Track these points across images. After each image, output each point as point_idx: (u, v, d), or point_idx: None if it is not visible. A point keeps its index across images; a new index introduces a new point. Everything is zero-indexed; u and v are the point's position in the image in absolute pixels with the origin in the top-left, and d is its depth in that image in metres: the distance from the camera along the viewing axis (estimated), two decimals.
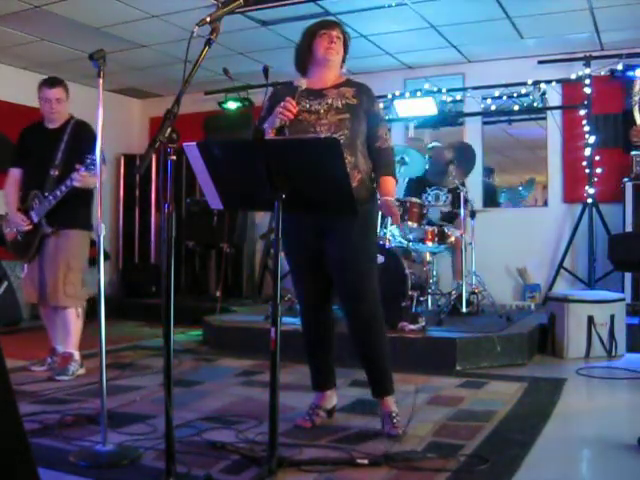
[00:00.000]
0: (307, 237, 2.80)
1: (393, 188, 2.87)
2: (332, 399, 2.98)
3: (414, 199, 5.00)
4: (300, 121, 2.75)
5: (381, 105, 3.00)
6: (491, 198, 6.89)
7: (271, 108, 2.80)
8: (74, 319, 3.95)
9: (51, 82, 4.00)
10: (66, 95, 4.02)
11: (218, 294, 6.29)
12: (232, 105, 7.51)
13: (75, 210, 3.93)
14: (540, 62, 6.33)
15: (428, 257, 5.24)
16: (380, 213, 3.61)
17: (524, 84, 6.48)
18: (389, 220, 4.60)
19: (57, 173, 3.89)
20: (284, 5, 5.23)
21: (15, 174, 4.09)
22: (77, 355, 3.93)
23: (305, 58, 2.88)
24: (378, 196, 2.88)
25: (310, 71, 2.88)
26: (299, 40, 2.91)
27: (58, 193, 3.80)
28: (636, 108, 3.60)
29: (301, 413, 2.88)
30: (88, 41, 5.74)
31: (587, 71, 6.18)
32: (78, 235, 4.00)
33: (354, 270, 2.74)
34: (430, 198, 5.59)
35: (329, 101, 2.78)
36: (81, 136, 3.95)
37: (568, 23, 5.56)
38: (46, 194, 3.87)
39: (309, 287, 2.89)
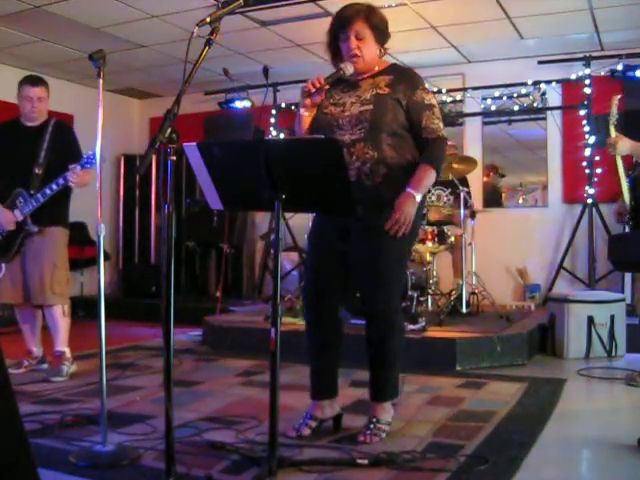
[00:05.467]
0: (332, 236, 2.72)
1: (424, 179, 2.59)
2: (329, 409, 2.78)
3: None
4: (325, 114, 2.69)
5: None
6: (493, 198, 6.89)
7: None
8: (62, 316, 3.94)
9: (33, 80, 3.95)
10: (47, 94, 3.99)
11: (218, 294, 6.28)
12: (232, 105, 7.50)
13: (57, 207, 3.93)
14: (540, 62, 6.33)
15: (428, 257, 5.24)
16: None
17: (524, 84, 6.49)
18: None
19: (41, 171, 3.87)
20: (284, 5, 5.23)
21: None
22: (68, 352, 3.93)
23: (336, 56, 2.75)
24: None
25: None
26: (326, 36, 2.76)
27: (48, 191, 3.77)
28: (612, 128, 3.68)
29: (301, 413, 2.87)
30: (88, 41, 5.74)
31: (587, 71, 6.19)
32: (61, 233, 4.01)
33: (370, 273, 2.63)
34: (433, 198, 5.57)
35: (360, 92, 2.66)
36: (63, 136, 3.96)
37: (568, 23, 5.56)
38: (32, 192, 3.83)
39: (319, 285, 2.75)
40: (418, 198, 2.58)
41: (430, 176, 2.62)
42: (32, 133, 3.97)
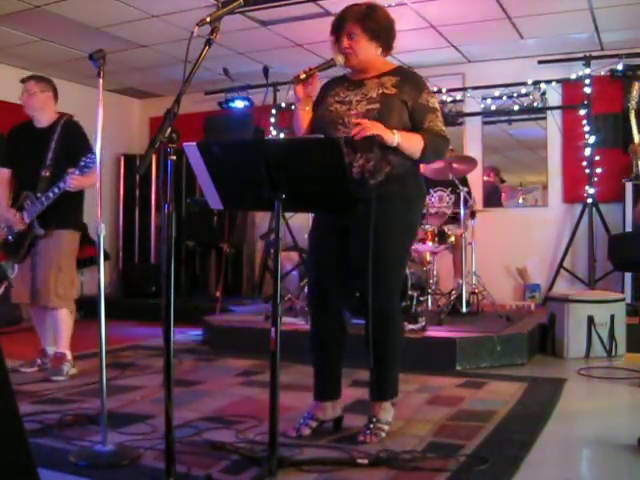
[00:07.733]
0: (332, 235, 2.73)
1: (412, 138, 2.58)
2: (330, 410, 2.78)
3: None
4: (330, 112, 2.70)
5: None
6: (493, 198, 6.89)
7: (316, 102, 2.77)
8: (65, 319, 3.96)
9: (25, 78, 4.02)
10: (40, 89, 3.97)
11: (218, 294, 6.28)
12: (232, 105, 7.50)
13: (67, 210, 3.92)
14: (540, 62, 6.33)
15: (428, 257, 5.24)
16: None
17: (524, 84, 6.50)
18: None
19: (48, 174, 3.87)
20: (284, 5, 5.23)
21: (4, 174, 4.09)
22: (69, 355, 3.94)
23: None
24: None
25: None
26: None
27: (51, 195, 3.78)
28: (632, 113, 3.54)
29: (301, 413, 2.87)
30: (88, 41, 5.74)
31: (587, 71, 6.19)
32: (69, 235, 4.00)
33: (371, 269, 2.59)
34: (434, 200, 5.55)
35: (365, 91, 2.68)
36: (72, 137, 3.94)
37: (568, 23, 5.56)
38: (38, 195, 3.85)
39: (322, 284, 2.76)
40: (394, 139, 2.53)
41: (417, 144, 2.59)
42: (41, 134, 3.97)
